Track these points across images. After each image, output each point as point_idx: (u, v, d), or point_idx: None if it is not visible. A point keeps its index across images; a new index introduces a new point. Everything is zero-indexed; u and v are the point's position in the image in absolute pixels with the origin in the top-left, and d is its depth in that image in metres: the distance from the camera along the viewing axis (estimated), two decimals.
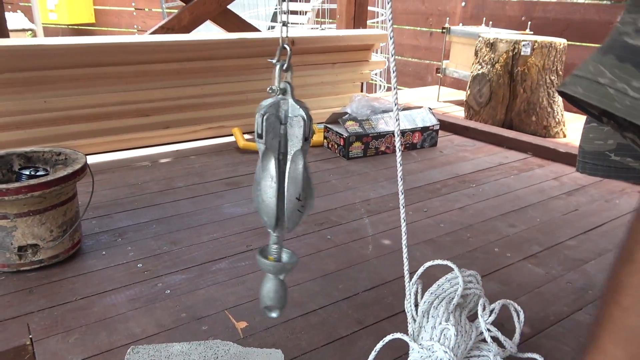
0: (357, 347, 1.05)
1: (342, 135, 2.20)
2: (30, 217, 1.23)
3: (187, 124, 2.39)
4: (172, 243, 1.45)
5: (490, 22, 3.64)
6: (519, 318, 1.01)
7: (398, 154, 0.89)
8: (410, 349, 0.93)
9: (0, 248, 1.23)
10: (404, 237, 0.94)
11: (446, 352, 0.88)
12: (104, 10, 6.40)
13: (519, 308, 1.02)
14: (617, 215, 1.72)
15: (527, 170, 2.14)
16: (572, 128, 2.94)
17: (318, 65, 2.73)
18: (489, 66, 2.91)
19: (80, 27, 6.37)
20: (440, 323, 0.94)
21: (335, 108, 2.59)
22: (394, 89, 0.89)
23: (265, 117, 0.79)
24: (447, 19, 3.99)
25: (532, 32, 3.30)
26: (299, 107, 0.78)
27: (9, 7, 6.07)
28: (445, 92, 3.88)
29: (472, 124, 2.71)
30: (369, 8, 3.43)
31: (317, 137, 2.32)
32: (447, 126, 2.66)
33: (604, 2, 3.40)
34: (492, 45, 2.90)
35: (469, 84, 3.10)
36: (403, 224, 0.93)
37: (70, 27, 6.35)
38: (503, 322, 1.08)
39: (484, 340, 0.96)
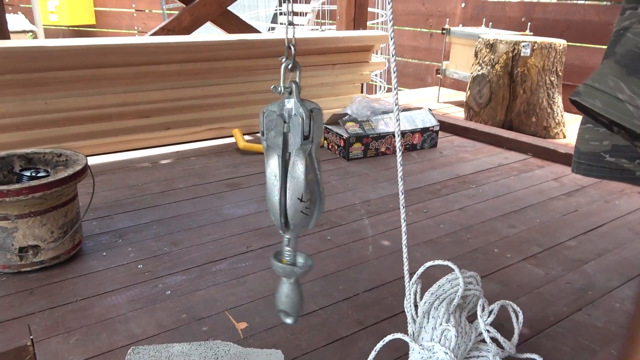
0: (357, 348, 1.06)
1: (342, 136, 2.20)
2: (31, 218, 1.24)
3: (188, 125, 2.40)
4: (172, 244, 1.45)
5: (490, 23, 3.64)
6: (517, 319, 1.01)
7: (398, 154, 0.90)
8: (410, 350, 0.93)
9: (1, 249, 1.23)
10: (404, 238, 0.94)
11: (447, 353, 0.88)
12: (104, 12, 6.41)
13: (518, 309, 1.03)
14: (617, 215, 1.72)
15: (527, 171, 2.14)
16: (572, 129, 2.94)
17: (318, 67, 2.74)
18: (488, 67, 2.92)
19: (80, 28, 6.38)
20: (440, 324, 0.95)
21: (336, 109, 2.59)
22: (395, 89, 0.89)
23: (265, 115, 0.79)
24: (447, 20, 4.00)
25: (532, 33, 3.30)
26: (299, 105, 0.78)
27: (10, 8, 6.08)
28: (445, 93, 3.88)
29: (472, 124, 2.71)
30: (369, 9, 3.43)
31: None
32: (447, 127, 2.66)
33: (604, 3, 3.40)
34: (492, 46, 2.91)
35: (468, 84, 3.10)
36: (403, 225, 0.93)
37: (70, 28, 6.36)
38: (503, 323, 1.08)
39: (484, 341, 0.96)
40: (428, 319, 0.98)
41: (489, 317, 0.98)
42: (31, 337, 1.06)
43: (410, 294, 1.01)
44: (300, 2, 5.24)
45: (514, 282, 1.32)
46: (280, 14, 5.43)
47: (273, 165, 0.80)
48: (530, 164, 2.24)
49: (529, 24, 3.52)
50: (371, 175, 2.04)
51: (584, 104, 0.56)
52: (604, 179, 0.69)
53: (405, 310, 1.01)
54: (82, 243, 1.42)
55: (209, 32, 3.72)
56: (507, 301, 1.04)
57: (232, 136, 2.40)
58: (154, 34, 2.78)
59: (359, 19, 3.26)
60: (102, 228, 1.54)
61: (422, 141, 2.38)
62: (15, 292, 1.21)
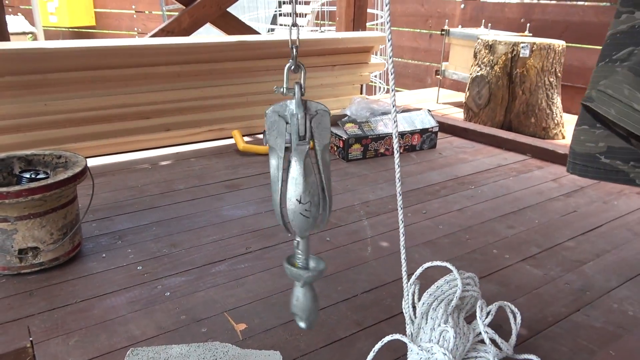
0: (355, 349, 1.06)
1: (342, 137, 2.21)
2: (30, 220, 1.24)
3: (188, 126, 2.40)
4: (171, 245, 1.46)
5: (489, 24, 3.65)
6: (515, 320, 1.02)
7: (396, 156, 0.90)
8: (408, 350, 0.94)
9: (0, 251, 1.24)
10: (402, 240, 0.94)
11: (445, 354, 0.88)
12: (104, 13, 6.41)
13: (515, 310, 1.03)
14: (616, 216, 1.73)
15: (526, 172, 2.15)
16: (571, 129, 2.94)
17: (317, 68, 2.74)
18: (487, 68, 2.92)
19: (80, 29, 6.38)
20: (439, 325, 0.95)
21: (335, 110, 2.60)
22: (392, 91, 0.89)
23: (267, 116, 0.79)
24: (447, 21, 4.00)
25: (531, 34, 3.31)
26: (296, 106, 0.79)
27: (10, 10, 6.09)
28: (444, 93, 3.89)
29: (471, 125, 2.72)
30: (368, 10, 3.44)
31: None
32: (447, 128, 2.67)
33: (603, 4, 3.41)
34: (490, 47, 2.91)
35: (468, 85, 3.11)
36: (401, 226, 0.93)
37: (70, 29, 6.37)
38: (501, 324, 1.09)
39: (481, 342, 0.96)
40: (426, 319, 0.98)
41: (486, 318, 0.98)
42: (30, 338, 1.06)
43: (408, 295, 1.01)
44: (299, 3, 5.24)
45: (512, 282, 1.32)
46: (280, 15, 5.43)
47: (274, 166, 0.81)
48: (529, 165, 2.24)
49: (528, 24, 3.52)
50: (370, 176, 2.04)
51: (598, 110, 0.56)
52: (599, 180, 0.69)
53: (404, 311, 1.01)
54: (82, 245, 1.42)
55: (208, 34, 3.73)
56: (505, 302, 1.04)
57: (231, 137, 2.41)
58: (154, 35, 2.78)
59: (358, 20, 3.27)
60: (101, 229, 1.54)
61: (421, 142, 2.38)
62: (14, 294, 1.21)
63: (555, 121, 2.86)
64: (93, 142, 2.18)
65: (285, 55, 2.90)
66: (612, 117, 0.55)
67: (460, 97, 3.59)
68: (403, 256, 0.96)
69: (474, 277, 1.08)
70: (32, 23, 5.58)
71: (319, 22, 5.05)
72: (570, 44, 3.23)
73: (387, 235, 1.55)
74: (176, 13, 3.00)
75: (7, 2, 6.17)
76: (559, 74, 2.85)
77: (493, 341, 0.94)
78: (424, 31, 4.55)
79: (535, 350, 1.05)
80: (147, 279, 1.29)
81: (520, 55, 2.78)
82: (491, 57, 2.90)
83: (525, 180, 2.05)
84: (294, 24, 0.83)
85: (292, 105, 0.80)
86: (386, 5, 0.86)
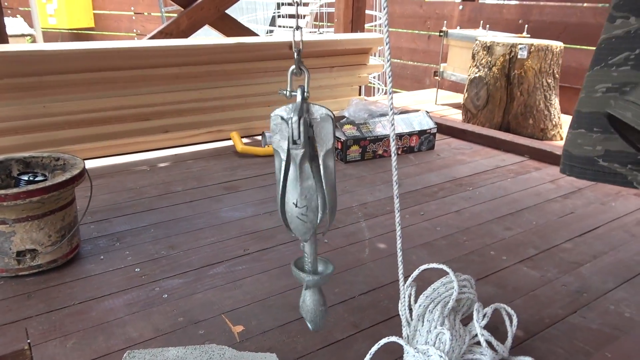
0: (352, 351, 1.06)
1: (340, 138, 2.21)
2: (28, 222, 1.24)
3: (186, 128, 2.40)
4: (170, 247, 1.46)
5: (488, 26, 3.66)
6: (511, 322, 1.02)
7: (393, 158, 0.90)
8: (405, 353, 0.94)
9: None
10: (398, 242, 0.94)
11: (441, 356, 0.89)
12: (103, 15, 6.42)
13: (512, 312, 1.03)
14: (613, 217, 1.73)
15: (523, 173, 2.15)
16: None
17: (316, 69, 2.75)
18: (486, 69, 2.93)
19: (79, 31, 6.39)
20: (435, 327, 0.95)
21: (334, 112, 2.60)
22: (390, 94, 0.90)
23: (271, 118, 0.80)
24: (445, 22, 4.01)
25: (529, 35, 3.32)
26: (293, 110, 0.79)
27: (9, 12, 6.09)
28: (443, 95, 3.90)
29: (469, 127, 2.72)
30: (367, 11, 3.45)
31: None
32: (445, 129, 2.67)
33: (601, 5, 3.42)
34: (489, 48, 2.92)
35: (466, 87, 3.11)
36: (398, 229, 0.94)
37: (69, 31, 6.37)
38: (498, 326, 1.09)
39: (477, 344, 0.97)
40: (423, 322, 0.98)
41: (483, 320, 0.98)
42: (28, 340, 1.06)
43: (404, 298, 1.01)
44: (293, 3, 5.24)
45: (509, 284, 1.32)
46: (279, 16, 5.44)
47: (277, 168, 0.82)
48: (527, 166, 2.24)
49: (526, 26, 3.53)
50: (368, 178, 2.04)
51: (614, 114, 0.56)
52: (597, 181, 0.70)
53: (400, 313, 1.02)
54: (80, 247, 1.42)
55: (207, 35, 3.73)
56: (501, 304, 1.05)
57: (230, 139, 2.41)
58: (152, 37, 2.79)
59: (356, 21, 3.28)
60: (99, 231, 1.54)
61: (419, 143, 2.39)
62: (12, 296, 1.21)
63: (553, 122, 2.86)
64: (92, 144, 2.18)
65: (283, 56, 2.92)
66: (628, 120, 0.55)
67: (459, 98, 3.60)
68: (400, 259, 0.97)
69: (470, 280, 1.08)
70: (31, 25, 5.58)
71: (317, 23, 5.05)
72: (568, 45, 3.24)
73: (384, 237, 1.55)
74: (175, 15, 3.01)
75: (5, 4, 6.17)
76: (557, 75, 2.85)
77: (489, 343, 0.95)
78: (423, 32, 4.55)
79: (531, 352, 1.05)
80: (145, 281, 1.29)
81: (518, 57, 2.79)
82: (489, 59, 2.91)
83: (523, 181, 2.06)
84: (297, 27, 0.83)
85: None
86: (384, 9, 0.87)
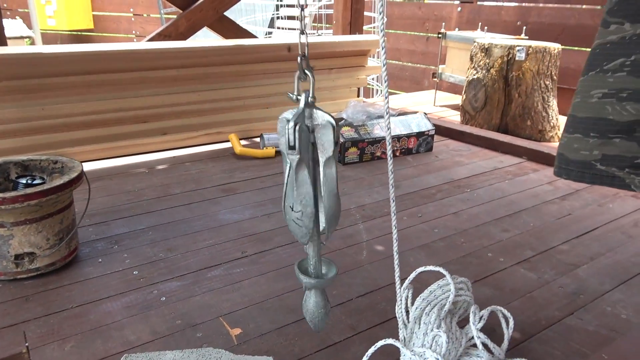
0: (350, 353, 1.06)
1: None
2: (27, 226, 1.25)
3: (184, 130, 2.41)
4: (168, 250, 1.46)
5: (486, 27, 3.66)
6: (507, 324, 1.02)
7: (389, 162, 0.91)
8: (401, 355, 0.94)
9: None
10: (395, 245, 0.95)
11: (438, 359, 0.89)
12: (102, 16, 6.43)
13: (508, 314, 1.03)
14: (610, 219, 1.73)
15: (521, 175, 2.16)
16: None
17: (315, 71, 2.73)
18: (484, 71, 2.93)
19: (79, 33, 6.39)
20: (432, 330, 0.96)
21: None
22: (386, 98, 0.90)
23: (279, 120, 0.80)
24: (443, 23, 4.02)
25: (527, 37, 3.32)
26: (292, 115, 0.79)
27: (8, 13, 6.10)
28: (441, 96, 3.90)
29: (467, 128, 2.73)
30: (365, 13, 3.45)
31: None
32: (443, 131, 2.68)
33: (599, 7, 3.42)
34: (487, 50, 2.92)
35: (464, 88, 3.12)
36: (394, 232, 0.94)
37: (69, 33, 6.38)
38: (495, 328, 1.09)
39: (473, 346, 0.97)
40: (419, 324, 0.99)
41: (479, 322, 0.99)
42: (26, 344, 1.06)
43: (401, 300, 1.02)
44: (296, 7, 5.25)
45: (506, 286, 1.33)
46: (278, 18, 5.45)
47: (284, 170, 0.83)
48: (525, 168, 2.25)
49: (525, 27, 3.54)
50: (366, 180, 2.05)
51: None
52: (595, 184, 0.70)
53: (397, 315, 1.02)
54: (78, 249, 1.43)
55: (206, 37, 3.74)
56: (497, 307, 1.05)
57: (228, 141, 2.41)
58: (151, 39, 2.79)
59: (355, 23, 3.28)
60: (98, 234, 1.55)
61: (417, 145, 2.39)
62: (11, 299, 1.22)
63: (551, 124, 2.87)
64: (90, 147, 2.18)
65: (282, 58, 2.92)
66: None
67: (458, 99, 3.60)
68: (396, 262, 0.97)
69: (467, 282, 1.08)
70: (30, 26, 5.59)
71: (316, 25, 5.06)
72: (566, 47, 3.25)
73: (382, 239, 1.56)
74: (174, 16, 3.01)
75: (5, 5, 6.18)
76: (555, 77, 2.86)
77: (485, 345, 0.95)
78: (421, 34, 4.56)
79: (528, 354, 1.06)
80: (143, 283, 1.29)
81: (516, 59, 2.79)
82: (487, 60, 2.92)
83: (521, 183, 2.06)
84: (302, 32, 0.83)
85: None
86: (380, 14, 0.87)
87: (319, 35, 4.54)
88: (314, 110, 0.80)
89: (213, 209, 1.75)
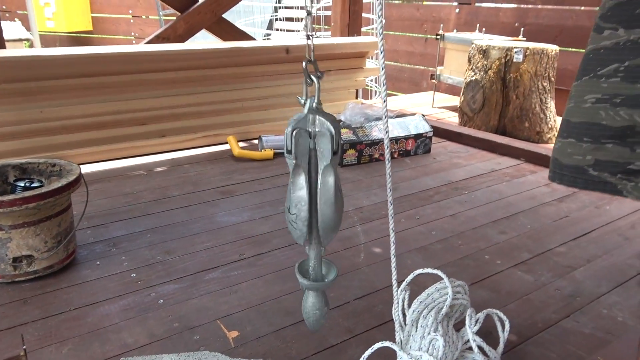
0: (347, 356, 1.07)
1: None
2: (24, 229, 1.25)
3: (183, 132, 2.41)
4: (165, 252, 1.47)
5: (484, 29, 3.67)
6: (503, 327, 1.03)
7: (387, 165, 0.91)
8: (398, 358, 0.95)
9: None
10: (392, 248, 0.95)
11: None
12: (101, 18, 6.43)
13: (504, 317, 1.04)
14: (607, 221, 1.74)
15: (519, 177, 2.16)
16: None
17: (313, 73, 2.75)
18: (482, 73, 2.94)
19: (77, 34, 6.40)
20: (429, 333, 0.96)
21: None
22: (384, 101, 0.91)
23: (289, 122, 0.81)
24: (441, 25, 4.03)
25: (525, 38, 3.33)
26: (293, 121, 0.80)
27: (7, 15, 6.10)
28: (440, 97, 3.91)
29: (465, 130, 2.73)
30: (364, 15, 3.46)
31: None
32: (441, 132, 2.68)
33: (596, 8, 3.43)
34: (484, 52, 2.93)
35: (462, 90, 3.12)
36: (392, 235, 0.94)
37: (67, 34, 6.38)
38: (491, 330, 1.09)
39: (469, 349, 0.98)
40: (416, 327, 0.99)
41: (475, 325, 0.99)
42: (24, 347, 1.06)
43: (398, 302, 1.02)
44: (295, 8, 5.27)
45: (503, 288, 1.33)
46: (276, 19, 5.45)
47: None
48: (522, 170, 2.25)
49: (522, 29, 3.55)
50: (364, 182, 2.05)
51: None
52: (587, 190, 0.70)
53: (394, 318, 1.02)
54: (76, 252, 1.43)
55: (205, 39, 3.74)
56: (493, 310, 1.05)
57: (227, 143, 2.42)
58: (149, 42, 2.79)
59: (353, 25, 3.28)
60: (96, 237, 1.55)
61: (415, 147, 2.40)
62: (9, 302, 1.22)
63: (549, 125, 2.88)
64: (89, 149, 2.19)
65: (280, 60, 2.91)
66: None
67: (456, 101, 3.61)
68: (393, 265, 0.98)
69: (464, 286, 1.09)
70: (28, 28, 5.59)
71: (315, 26, 5.07)
72: (563, 48, 3.25)
73: (380, 242, 1.56)
74: (173, 18, 3.02)
75: (3, 7, 6.19)
76: (553, 79, 2.87)
77: (481, 349, 0.95)
78: (420, 35, 4.57)
79: (524, 357, 1.06)
80: (141, 286, 1.30)
81: (514, 60, 2.80)
82: (485, 62, 2.92)
83: (519, 185, 2.07)
84: (309, 37, 0.83)
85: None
86: (379, 17, 0.88)
87: (317, 37, 4.55)
88: (317, 116, 0.79)
89: (211, 211, 1.75)
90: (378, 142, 2.27)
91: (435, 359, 0.90)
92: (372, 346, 0.95)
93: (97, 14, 6.42)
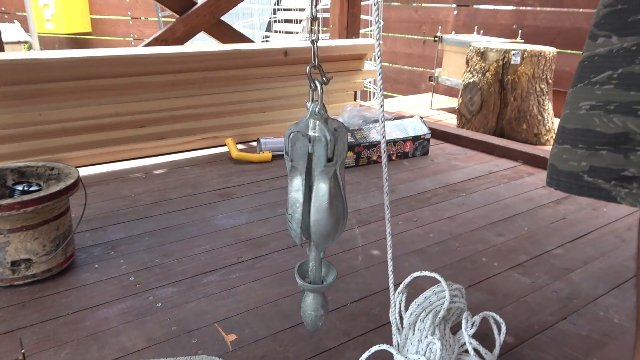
0: (344, 359, 1.07)
1: None
2: (23, 232, 1.25)
3: (182, 134, 2.41)
4: (164, 255, 1.47)
5: (482, 31, 3.68)
6: (499, 330, 1.03)
7: (384, 169, 0.92)
8: None
9: None
10: (389, 252, 0.96)
11: None
12: (100, 20, 6.44)
13: (500, 320, 1.04)
14: (604, 223, 1.75)
15: (517, 179, 2.17)
16: None
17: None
18: (479, 75, 2.95)
19: (76, 36, 6.40)
20: (426, 336, 0.96)
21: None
22: (381, 106, 0.91)
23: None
24: (440, 27, 4.03)
25: (523, 41, 3.34)
26: (298, 122, 0.81)
27: (6, 17, 6.10)
28: (438, 99, 3.92)
29: (463, 132, 2.74)
30: (362, 17, 3.47)
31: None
32: (439, 134, 2.69)
33: (594, 10, 3.44)
34: (482, 54, 2.94)
35: (460, 92, 3.13)
36: (389, 239, 0.95)
37: (66, 36, 6.39)
38: (488, 333, 1.10)
39: (465, 352, 0.98)
40: (414, 330, 1.00)
41: (471, 328, 0.99)
42: (22, 350, 1.07)
43: (395, 305, 1.03)
44: (294, 10, 5.27)
45: (500, 291, 1.34)
46: (275, 21, 5.46)
47: None
48: (520, 172, 2.26)
49: (520, 31, 3.56)
50: (363, 184, 2.06)
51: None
52: (583, 196, 0.71)
53: (391, 320, 1.03)
54: (75, 255, 1.43)
55: (204, 42, 3.75)
56: (489, 312, 1.06)
57: (225, 145, 2.42)
58: (148, 44, 2.80)
59: (351, 27, 3.29)
60: (94, 240, 1.55)
61: (413, 149, 2.40)
62: (7, 306, 1.22)
63: (547, 127, 2.88)
64: (87, 151, 2.19)
65: (279, 63, 2.92)
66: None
67: (454, 102, 3.62)
68: (390, 268, 0.98)
69: (461, 289, 1.09)
70: (27, 30, 5.59)
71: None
72: (561, 50, 3.26)
73: (377, 244, 1.57)
74: (172, 19, 3.02)
75: (2, 9, 6.19)
76: (550, 81, 2.87)
77: (477, 352, 0.96)
78: (418, 37, 4.58)
79: (521, 359, 1.07)
80: (139, 289, 1.30)
81: (512, 62, 2.81)
82: (483, 64, 2.93)
83: (516, 187, 2.07)
84: (313, 41, 0.84)
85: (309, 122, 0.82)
86: (376, 23, 0.88)
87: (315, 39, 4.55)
88: (317, 122, 0.80)
89: (209, 213, 1.75)
90: (376, 145, 2.28)
91: None
92: (370, 349, 0.95)
93: (96, 15, 6.42)
